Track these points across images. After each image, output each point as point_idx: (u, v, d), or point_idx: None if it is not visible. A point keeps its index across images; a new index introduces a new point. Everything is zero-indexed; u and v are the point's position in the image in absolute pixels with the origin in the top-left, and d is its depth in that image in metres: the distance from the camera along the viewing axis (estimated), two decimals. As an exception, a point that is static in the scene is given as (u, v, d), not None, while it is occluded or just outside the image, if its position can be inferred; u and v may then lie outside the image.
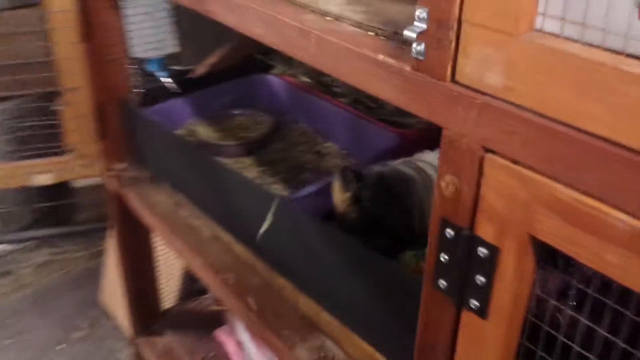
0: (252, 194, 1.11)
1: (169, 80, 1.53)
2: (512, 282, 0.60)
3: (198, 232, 1.30)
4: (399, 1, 0.78)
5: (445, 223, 0.64)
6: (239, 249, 1.22)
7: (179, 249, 1.30)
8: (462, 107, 0.57)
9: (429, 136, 1.35)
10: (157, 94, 1.51)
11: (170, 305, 1.85)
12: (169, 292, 1.87)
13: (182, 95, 1.53)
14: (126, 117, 1.46)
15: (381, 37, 0.69)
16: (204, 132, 1.51)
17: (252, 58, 1.65)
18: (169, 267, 1.86)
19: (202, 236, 1.29)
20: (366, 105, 1.46)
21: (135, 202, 1.45)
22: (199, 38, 1.65)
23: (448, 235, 0.64)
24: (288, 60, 1.66)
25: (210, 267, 1.20)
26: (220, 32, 1.71)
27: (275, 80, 1.60)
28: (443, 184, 0.63)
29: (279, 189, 1.33)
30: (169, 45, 1.54)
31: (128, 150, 1.51)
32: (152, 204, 1.41)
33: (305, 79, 1.59)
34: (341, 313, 1.01)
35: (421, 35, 0.58)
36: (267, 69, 1.64)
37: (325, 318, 1.04)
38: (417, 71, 0.61)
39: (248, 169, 1.41)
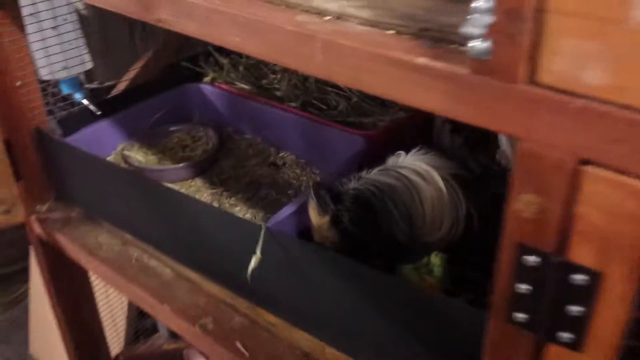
0: (225, 224, 0.96)
1: (87, 101, 1.33)
2: (615, 309, 0.51)
3: (158, 274, 1.13)
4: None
5: (525, 249, 0.54)
6: (212, 287, 1.07)
7: (137, 296, 1.13)
8: (548, 114, 0.47)
9: (395, 135, 1.26)
10: (78, 119, 1.30)
11: (120, 349, 1.65)
12: (116, 335, 1.67)
13: (107, 116, 1.34)
14: (44, 150, 1.25)
15: (406, 36, 0.58)
16: (139, 155, 1.33)
17: (177, 66, 1.48)
18: (113, 307, 1.66)
19: (163, 278, 1.12)
20: (317, 107, 1.34)
21: (70, 246, 1.25)
22: (113, 51, 1.46)
23: (529, 263, 0.54)
24: (219, 66, 1.50)
25: (182, 313, 1.04)
26: (134, 41, 1.52)
27: (209, 89, 1.44)
28: (521, 205, 0.53)
29: (240, 210, 1.19)
30: (81, 62, 1.34)
31: (52, 188, 1.30)
32: (93, 246, 1.22)
33: (242, 84, 1.44)
34: (352, 346, 0.90)
35: (484, 30, 0.47)
36: (196, 77, 1.48)
37: (333, 353, 0.92)
38: (478, 74, 0.50)
39: (199, 192, 1.25)
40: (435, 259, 1.00)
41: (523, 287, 0.56)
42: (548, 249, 0.53)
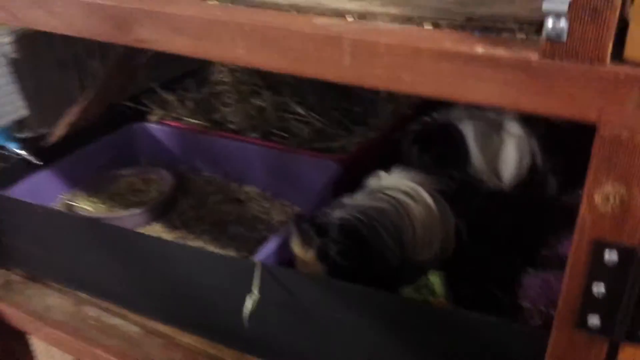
0: (207, 265, 0.86)
1: (23, 152, 1.19)
2: None
3: (123, 333, 1.00)
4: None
5: (602, 245, 0.50)
6: (189, 339, 0.96)
7: (104, 362, 0.99)
8: (638, 93, 0.44)
9: (367, 157, 1.21)
10: (13, 171, 1.16)
11: None
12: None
13: (46, 166, 1.20)
14: (-24, 208, 1.09)
15: (447, 29, 0.53)
16: (86, 204, 1.20)
17: (118, 107, 1.37)
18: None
19: (130, 336, 0.99)
20: (279, 137, 1.27)
21: (13, 313, 1.09)
22: (47, 95, 1.32)
23: (607, 260, 0.50)
24: (165, 103, 1.40)
25: (161, 373, 0.92)
26: (69, 84, 1.39)
27: (156, 127, 1.33)
28: (599, 198, 0.48)
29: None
30: (13, 109, 1.20)
31: (-13, 251, 1.14)
32: (41, 311, 1.07)
33: (192, 120, 1.35)
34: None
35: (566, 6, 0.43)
36: (141, 116, 1.37)
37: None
38: (551, 58, 0.46)
39: (160, 237, 1.13)
40: (435, 278, 0.95)
41: (599, 288, 0.52)
42: (632, 243, 0.49)
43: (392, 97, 1.39)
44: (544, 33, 0.45)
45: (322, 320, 0.79)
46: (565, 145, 1.25)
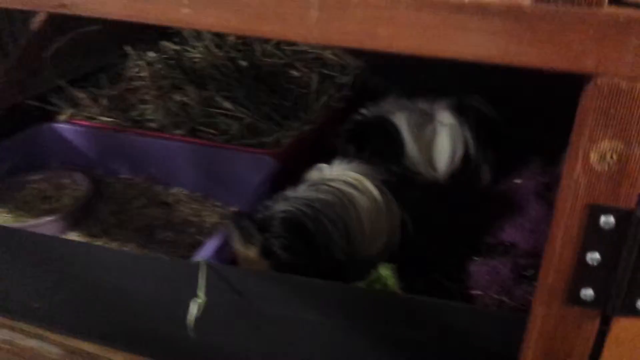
0: (139, 269, 0.76)
1: None
2: None
3: (41, 356, 0.88)
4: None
5: (598, 210, 0.46)
6: (118, 356, 0.85)
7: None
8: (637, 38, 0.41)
9: (302, 150, 1.15)
10: None
11: None
12: None
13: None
14: None
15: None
16: (-12, 215, 1.05)
17: (21, 106, 1.22)
18: None
19: (50, 358, 0.87)
20: (207, 133, 1.19)
21: None
22: None
23: (603, 226, 0.47)
24: (75, 101, 1.28)
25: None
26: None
27: (66, 128, 1.21)
28: (595, 156, 0.45)
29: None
30: None
31: None
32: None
33: (106, 118, 1.23)
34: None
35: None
36: (49, 116, 1.23)
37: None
38: (544, 1, 0.42)
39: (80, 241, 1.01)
40: (385, 271, 0.90)
41: (593, 256, 0.48)
42: (629, 205, 0.46)
43: (323, 90, 1.35)
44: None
45: (277, 322, 0.72)
46: (496, 135, 1.26)
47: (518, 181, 1.19)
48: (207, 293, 0.72)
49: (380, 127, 1.17)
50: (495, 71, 1.28)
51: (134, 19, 0.56)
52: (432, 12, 0.45)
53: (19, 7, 0.59)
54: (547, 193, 1.14)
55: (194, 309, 0.71)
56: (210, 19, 0.52)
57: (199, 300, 0.71)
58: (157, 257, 0.83)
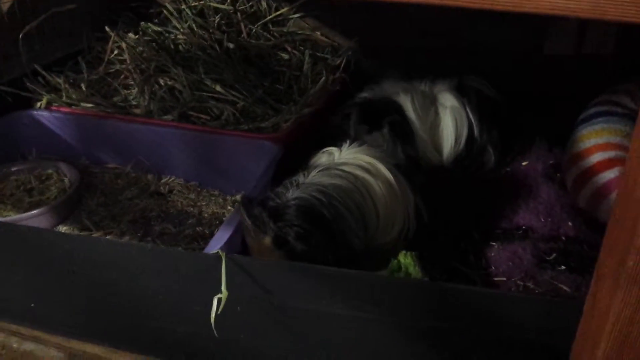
0: (152, 263, 0.69)
1: None
2: None
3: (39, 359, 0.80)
4: None
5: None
6: (126, 357, 0.78)
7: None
8: None
9: (304, 134, 1.09)
10: None
11: None
12: None
13: None
14: None
15: None
16: (-36, 211, 0.96)
17: (-7, 93, 1.13)
18: None
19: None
20: (199, 118, 1.11)
21: None
22: None
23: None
24: (52, 86, 1.18)
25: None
26: None
27: (45, 115, 1.11)
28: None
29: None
30: None
31: None
32: None
33: (86, 104, 1.14)
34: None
35: None
36: (24, 102, 1.14)
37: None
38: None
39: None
40: (407, 259, 0.84)
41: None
42: None
43: (316, 72, 1.28)
44: None
45: (303, 316, 0.66)
46: (498, 116, 1.22)
47: (525, 163, 1.15)
48: (228, 288, 0.65)
49: (390, 108, 1.12)
50: (492, 52, 1.24)
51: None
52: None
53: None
54: (556, 175, 1.10)
55: (216, 305, 0.64)
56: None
57: (221, 295, 0.64)
58: (170, 250, 0.76)
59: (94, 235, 0.93)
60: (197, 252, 0.81)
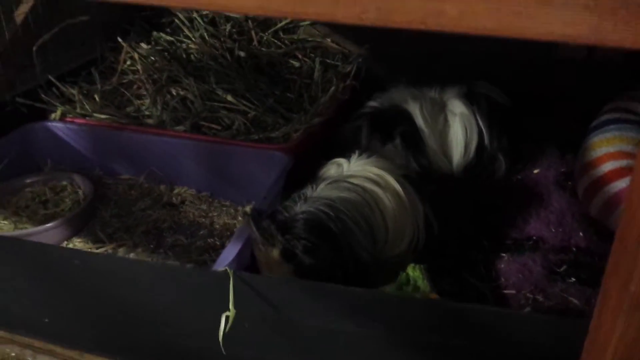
0: (158, 280, 0.70)
1: None
2: None
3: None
4: None
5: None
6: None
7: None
8: None
9: (315, 144, 1.10)
10: None
11: None
12: None
13: None
14: None
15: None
16: (-19, 223, 0.98)
17: (11, 105, 1.14)
18: None
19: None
20: (208, 129, 1.12)
21: None
22: None
23: None
24: (66, 97, 1.20)
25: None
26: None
27: (60, 126, 1.13)
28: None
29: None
30: None
31: None
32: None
33: (100, 115, 1.16)
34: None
35: None
36: (40, 114, 1.16)
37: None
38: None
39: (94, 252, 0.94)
40: (415, 272, 0.85)
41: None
42: None
43: (326, 80, 1.29)
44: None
45: (312, 333, 0.66)
46: (509, 123, 1.21)
47: (536, 171, 1.15)
48: (236, 304, 0.66)
49: (400, 117, 1.12)
50: (503, 57, 1.22)
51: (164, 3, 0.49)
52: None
53: None
54: (567, 183, 1.10)
55: (224, 323, 0.65)
56: (249, 2, 0.46)
57: (229, 313, 0.65)
58: (179, 267, 0.77)
59: (107, 247, 0.95)
60: (205, 268, 0.82)
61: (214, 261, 0.83)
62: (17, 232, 0.94)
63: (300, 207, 0.84)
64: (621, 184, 0.95)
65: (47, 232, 0.94)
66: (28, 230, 0.94)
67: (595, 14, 0.39)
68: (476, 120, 1.19)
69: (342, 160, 0.95)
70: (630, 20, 0.38)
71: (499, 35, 0.41)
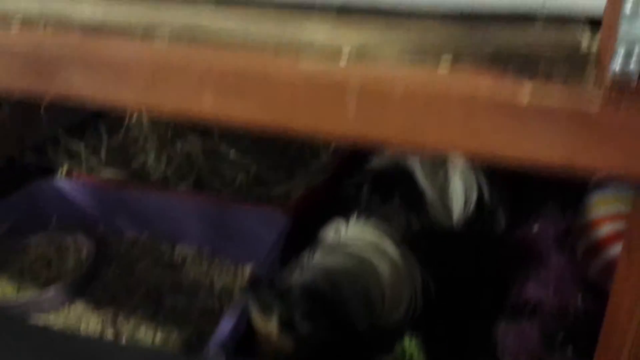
0: None
1: None
2: None
3: None
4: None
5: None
6: None
7: None
8: None
9: (316, 203, 1.11)
10: None
11: None
12: None
13: None
14: None
15: (467, 67, 0.44)
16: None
17: (17, 161, 1.17)
18: None
19: None
20: (212, 185, 1.14)
21: None
22: None
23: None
24: (72, 153, 1.23)
25: None
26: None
27: (65, 184, 1.15)
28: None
29: (146, 334, 0.93)
30: None
31: None
32: None
33: (107, 171, 1.18)
34: None
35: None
36: (46, 170, 1.18)
37: None
38: (616, 104, 0.38)
39: (83, 319, 0.96)
40: (411, 346, 0.86)
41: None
42: None
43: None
44: (610, 72, 0.37)
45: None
46: (509, 175, 1.21)
47: (536, 227, 1.15)
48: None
49: (400, 174, 1.13)
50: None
51: (150, 110, 0.51)
52: (486, 117, 0.41)
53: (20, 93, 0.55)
54: (568, 240, 1.09)
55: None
56: (236, 112, 0.48)
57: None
58: (171, 355, 0.78)
59: (108, 310, 0.96)
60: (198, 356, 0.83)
61: (213, 325, 0.85)
62: (21, 299, 0.96)
63: (297, 277, 0.85)
64: (619, 248, 0.94)
65: (47, 300, 0.95)
66: (27, 300, 0.96)
67: (593, 145, 0.40)
68: (476, 174, 1.19)
69: (340, 225, 0.95)
70: (613, 144, 0.39)
71: (474, 158, 0.43)
